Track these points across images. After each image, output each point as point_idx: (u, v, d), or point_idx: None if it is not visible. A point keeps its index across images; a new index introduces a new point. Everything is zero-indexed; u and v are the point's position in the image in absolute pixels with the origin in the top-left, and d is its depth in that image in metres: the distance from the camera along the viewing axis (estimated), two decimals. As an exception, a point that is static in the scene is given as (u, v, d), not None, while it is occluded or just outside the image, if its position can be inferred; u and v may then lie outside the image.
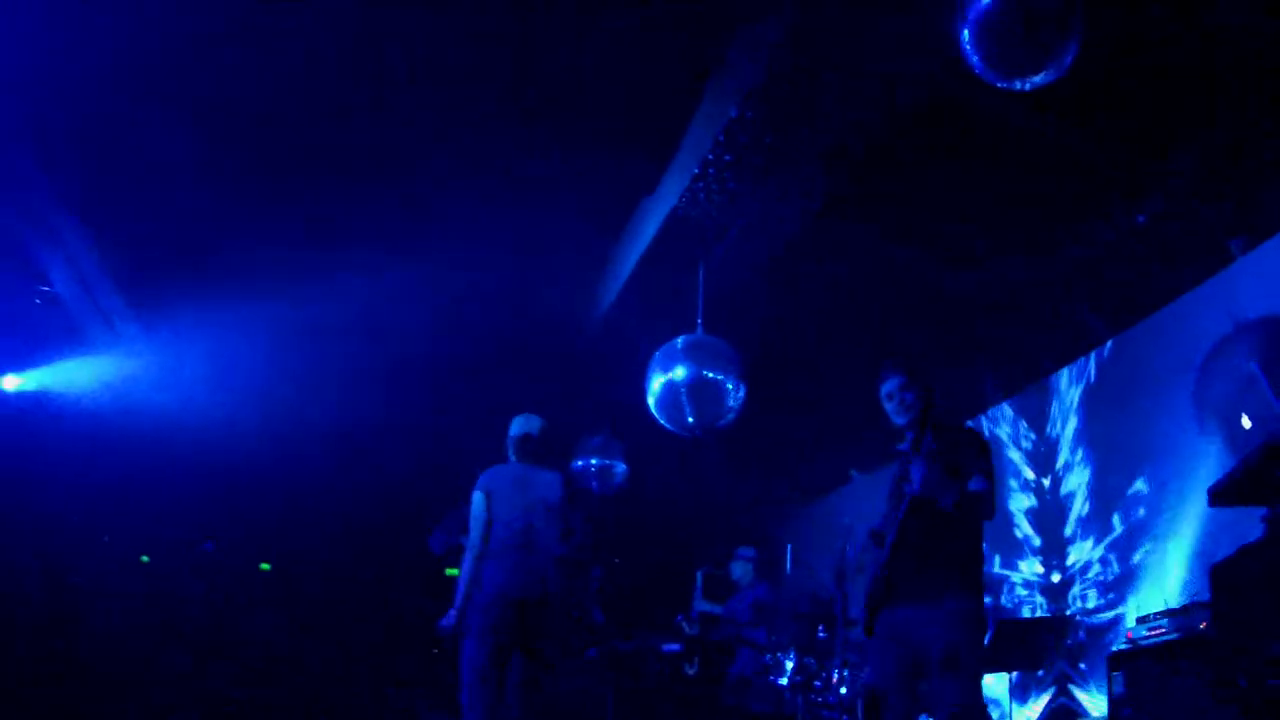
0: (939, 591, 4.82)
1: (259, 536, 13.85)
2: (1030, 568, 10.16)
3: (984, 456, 5.00)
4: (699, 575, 9.79)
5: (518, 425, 7.32)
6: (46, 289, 9.72)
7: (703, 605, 9.59)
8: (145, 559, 13.46)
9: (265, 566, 14.15)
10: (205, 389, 11.08)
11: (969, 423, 10.86)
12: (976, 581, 4.94)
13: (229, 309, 9.56)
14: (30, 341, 10.25)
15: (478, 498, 6.97)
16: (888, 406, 5.29)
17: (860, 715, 7.86)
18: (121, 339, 10.47)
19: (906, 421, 5.21)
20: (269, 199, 8.99)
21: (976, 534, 4.97)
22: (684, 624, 9.56)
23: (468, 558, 6.85)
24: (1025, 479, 10.56)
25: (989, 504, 4.92)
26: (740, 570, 9.70)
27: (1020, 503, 10.54)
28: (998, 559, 10.64)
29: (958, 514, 4.76)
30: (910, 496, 4.82)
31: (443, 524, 8.57)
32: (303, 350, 10.30)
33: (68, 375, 10.63)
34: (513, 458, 7.29)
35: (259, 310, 9.51)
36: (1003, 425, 11.03)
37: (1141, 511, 8.76)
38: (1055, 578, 9.74)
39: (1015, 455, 10.77)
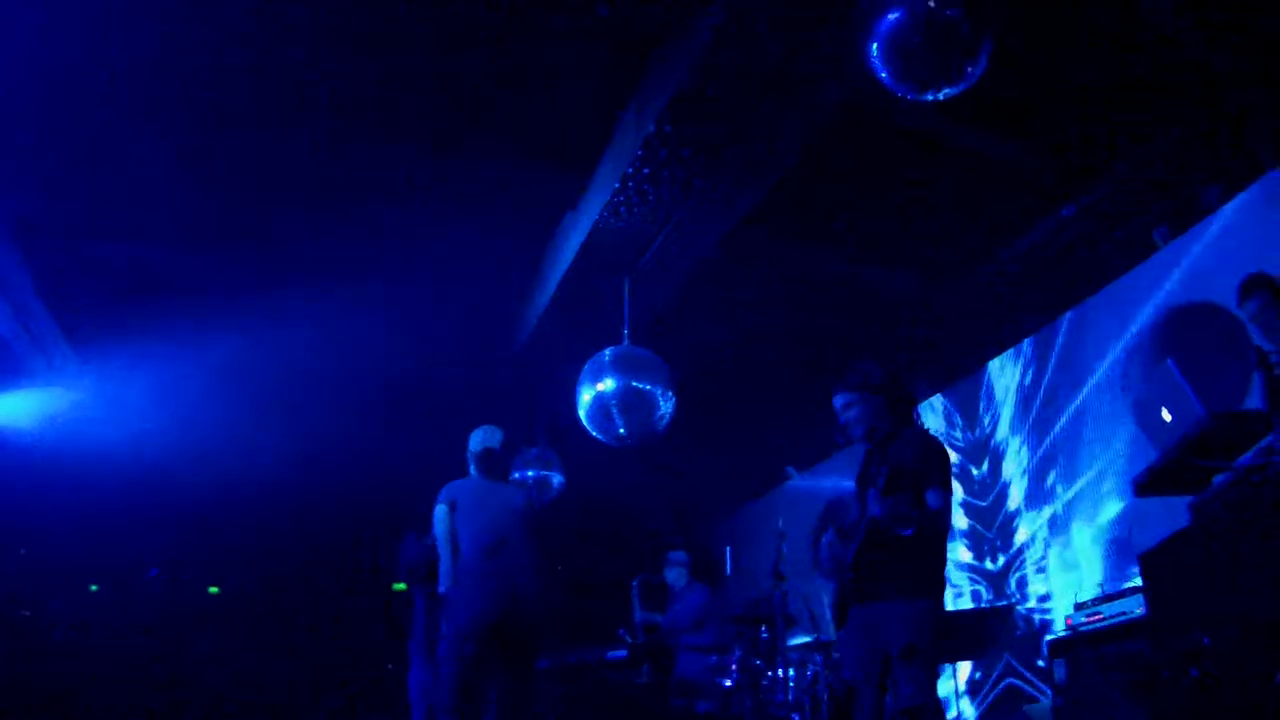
0: (898, 590, 4.93)
1: (206, 561, 13.75)
2: (967, 556, 10.28)
3: (941, 467, 5.07)
4: (635, 585, 9.72)
5: (479, 439, 6.99)
6: None
7: (642, 615, 9.55)
8: (94, 588, 13.33)
9: (214, 590, 14.06)
10: (144, 418, 10.97)
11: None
12: (934, 580, 5.02)
13: (167, 338, 9.47)
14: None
15: (440, 511, 6.61)
16: (839, 422, 5.39)
17: (829, 707, 7.94)
18: (59, 371, 10.32)
19: (859, 435, 5.32)
20: (206, 229, 8.93)
21: (935, 539, 5.03)
22: (626, 637, 9.51)
23: (443, 578, 6.51)
24: (957, 468, 10.69)
25: (945, 518, 5.00)
26: (674, 575, 9.66)
27: (955, 494, 10.67)
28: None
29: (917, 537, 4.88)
30: (870, 519, 4.94)
31: (402, 557, 8.14)
32: (240, 378, 10.25)
33: (5, 409, 10.47)
34: (474, 472, 6.97)
35: (197, 338, 9.43)
36: (931, 417, 11.16)
37: (1072, 498, 8.90)
38: (989, 564, 9.86)
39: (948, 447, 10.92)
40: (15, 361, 10.01)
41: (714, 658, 8.94)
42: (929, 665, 4.96)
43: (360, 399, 11.33)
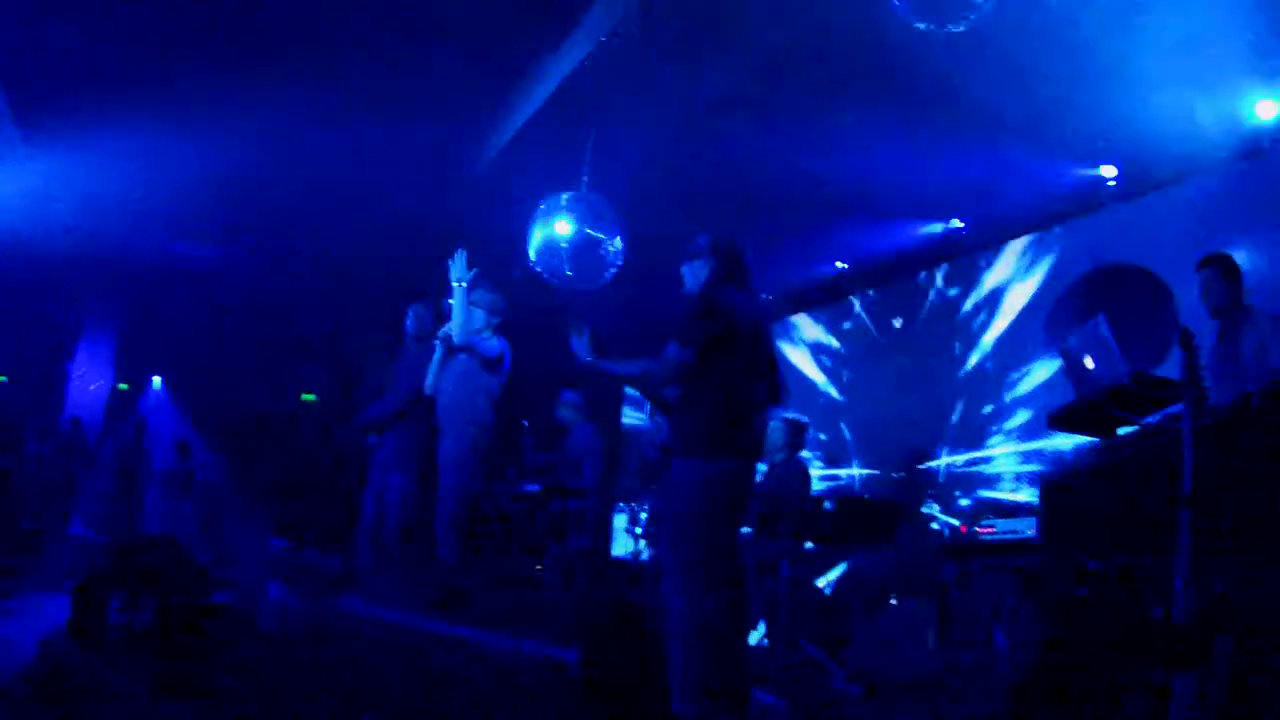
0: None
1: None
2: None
3: (688, 319, 4.88)
4: (525, 426, 9.53)
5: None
6: None
7: (534, 456, 9.51)
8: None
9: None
10: (90, 208, 10.93)
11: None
12: (697, 444, 4.81)
13: (125, 130, 9.29)
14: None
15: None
16: None
17: None
18: (9, 156, 10.20)
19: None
20: (158, 19, 8.64)
21: (692, 396, 4.91)
22: (518, 477, 9.54)
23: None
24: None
25: (688, 370, 4.83)
26: (565, 415, 9.55)
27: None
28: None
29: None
30: None
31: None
32: (191, 179, 10.20)
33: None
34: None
35: (154, 128, 9.28)
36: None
37: (996, 423, 9.35)
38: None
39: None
40: None
41: (591, 498, 9.08)
42: (683, 526, 4.71)
43: (311, 206, 11.24)
